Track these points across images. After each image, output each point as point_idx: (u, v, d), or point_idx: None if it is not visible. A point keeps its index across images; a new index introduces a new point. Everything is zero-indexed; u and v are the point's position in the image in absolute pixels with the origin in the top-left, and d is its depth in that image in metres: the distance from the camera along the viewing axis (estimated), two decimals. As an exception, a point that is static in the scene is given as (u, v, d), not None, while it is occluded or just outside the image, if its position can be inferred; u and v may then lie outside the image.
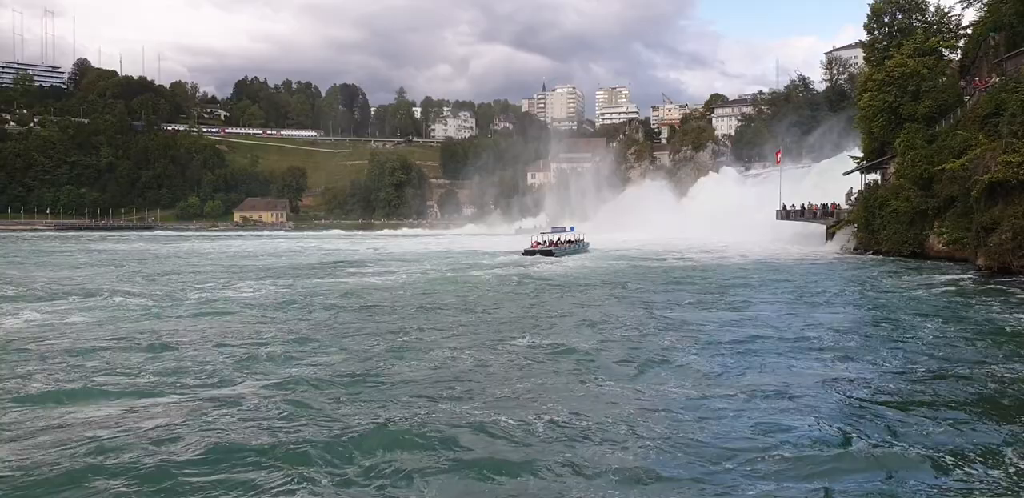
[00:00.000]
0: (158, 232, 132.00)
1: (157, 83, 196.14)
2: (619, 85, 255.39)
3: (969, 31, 45.61)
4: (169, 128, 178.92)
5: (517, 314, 18.94)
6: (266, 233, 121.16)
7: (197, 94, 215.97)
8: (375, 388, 10.74)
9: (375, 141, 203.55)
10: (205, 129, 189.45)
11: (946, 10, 47.49)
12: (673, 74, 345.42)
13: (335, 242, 79.98)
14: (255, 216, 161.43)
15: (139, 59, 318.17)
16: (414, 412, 9.28)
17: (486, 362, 12.57)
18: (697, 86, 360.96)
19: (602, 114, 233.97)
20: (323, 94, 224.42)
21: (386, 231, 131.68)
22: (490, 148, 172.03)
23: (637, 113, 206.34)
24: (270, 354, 13.15)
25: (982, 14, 43.39)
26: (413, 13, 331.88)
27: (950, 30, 47.16)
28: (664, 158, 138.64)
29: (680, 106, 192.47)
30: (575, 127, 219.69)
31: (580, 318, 17.96)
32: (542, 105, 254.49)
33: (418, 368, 12.11)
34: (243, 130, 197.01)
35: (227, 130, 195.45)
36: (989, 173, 28.10)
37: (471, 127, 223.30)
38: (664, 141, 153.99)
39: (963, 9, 46.50)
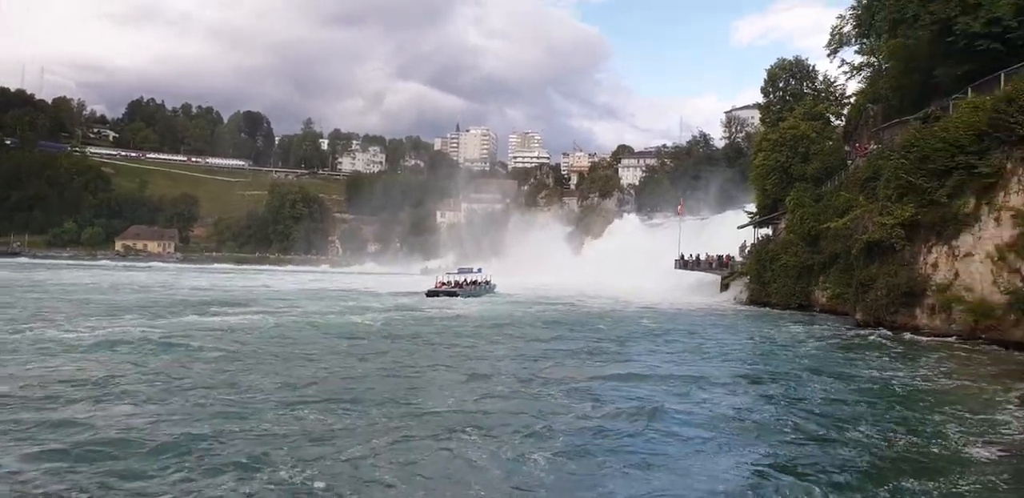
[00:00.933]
0: (23, 259, 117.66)
1: (38, 97, 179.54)
2: (532, 130, 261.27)
3: (852, 100, 49.31)
4: (49, 146, 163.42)
5: (386, 366, 17.68)
6: (154, 264, 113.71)
7: (84, 112, 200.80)
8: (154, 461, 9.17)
9: (277, 171, 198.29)
10: (92, 150, 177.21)
11: (832, 80, 51.37)
12: (586, 123, 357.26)
13: (222, 276, 76.62)
14: (140, 245, 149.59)
15: (19, 71, 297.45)
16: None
17: (317, 431, 10.98)
18: (607, 136, 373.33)
19: (515, 157, 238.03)
20: (225, 120, 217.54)
21: (283, 266, 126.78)
22: (399, 184, 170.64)
23: (548, 158, 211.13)
24: (36, 419, 11.22)
25: (863, 86, 47.06)
26: (329, 44, 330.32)
27: (836, 98, 50.89)
28: (572, 203, 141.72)
29: (589, 154, 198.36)
30: (487, 168, 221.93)
31: (459, 372, 16.92)
32: (455, 144, 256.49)
33: (228, 437, 10.47)
34: (133, 153, 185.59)
35: (115, 152, 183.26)
36: (867, 233, 29.91)
37: (380, 162, 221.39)
38: (573, 187, 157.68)
39: (847, 80, 50.47)
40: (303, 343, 21.64)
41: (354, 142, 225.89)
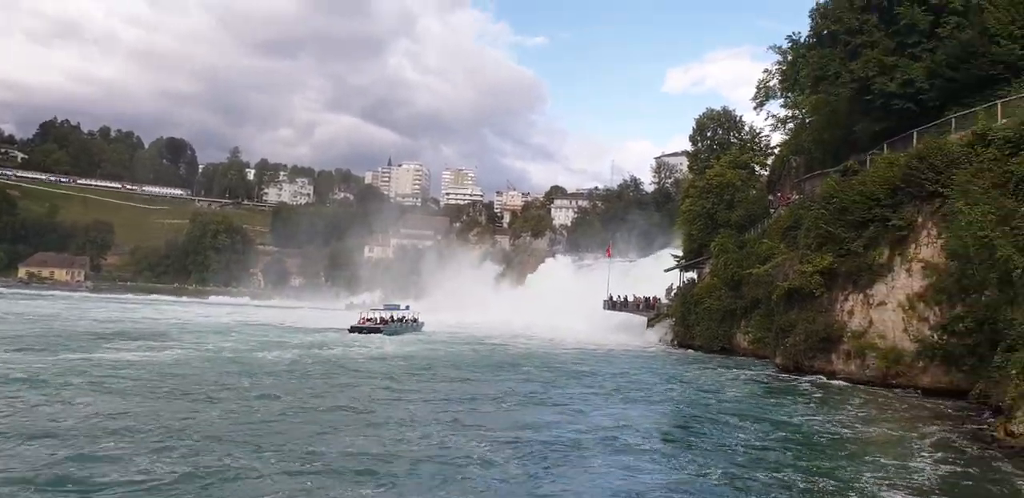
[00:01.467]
0: None
1: None
2: (466, 167, 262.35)
3: (776, 151, 51.48)
4: None
5: (289, 407, 16.76)
6: (55, 293, 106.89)
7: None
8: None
9: (200, 200, 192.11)
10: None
11: (758, 131, 53.61)
12: (520, 163, 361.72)
13: (134, 308, 72.91)
14: (46, 273, 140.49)
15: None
16: None
17: (191, 481, 10.21)
18: (541, 177, 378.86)
19: (447, 194, 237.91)
20: (146, 145, 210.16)
21: (201, 298, 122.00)
22: (327, 217, 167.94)
23: (482, 196, 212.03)
24: None
25: (787, 138, 49.23)
26: (260, 73, 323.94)
27: (761, 149, 53.04)
28: (504, 242, 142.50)
29: (523, 194, 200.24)
30: (419, 204, 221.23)
31: (368, 415, 16.16)
32: (387, 179, 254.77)
33: (82, 486, 9.64)
34: (43, 176, 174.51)
35: (23, 174, 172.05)
36: (788, 280, 30.81)
37: (308, 194, 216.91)
38: (505, 226, 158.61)
39: (772, 131, 52.78)
40: (201, 381, 20.32)
41: (281, 173, 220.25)
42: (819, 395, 23.17)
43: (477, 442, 13.58)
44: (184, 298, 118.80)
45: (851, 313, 28.10)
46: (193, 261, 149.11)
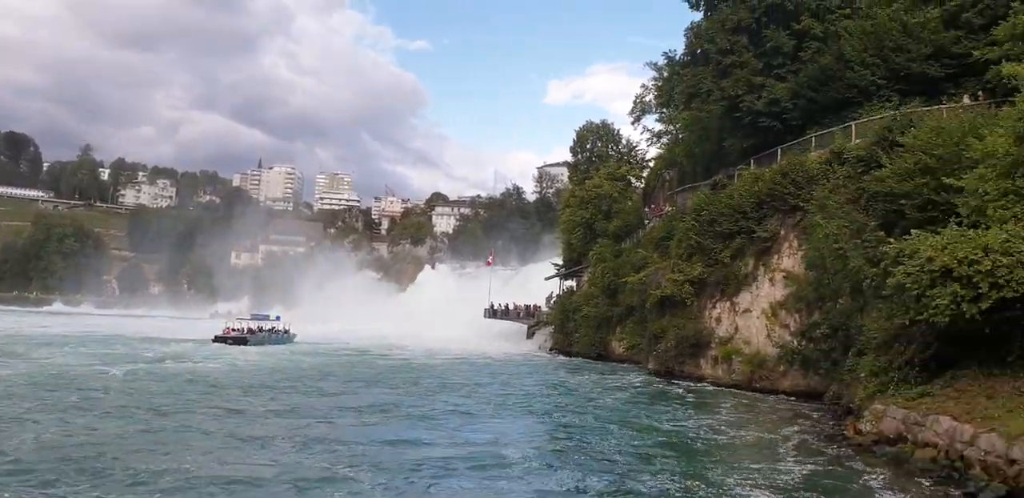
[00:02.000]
0: None
1: None
2: (342, 171, 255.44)
3: (651, 164, 53.51)
4: None
5: (123, 427, 15.37)
6: None
7: None
8: None
9: (44, 201, 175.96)
10: None
11: (635, 144, 55.61)
12: (399, 168, 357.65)
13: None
14: None
15: None
16: None
17: None
18: (421, 183, 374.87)
19: (322, 198, 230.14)
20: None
21: (48, 307, 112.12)
22: (190, 221, 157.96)
23: (359, 201, 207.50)
24: None
25: (662, 152, 51.27)
26: (118, 67, 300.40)
27: (637, 162, 54.99)
28: (383, 249, 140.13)
29: (403, 200, 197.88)
30: (291, 208, 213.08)
31: (216, 433, 15.07)
32: (256, 182, 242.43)
33: None
34: None
35: None
36: (660, 288, 31.90)
37: (170, 197, 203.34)
38: (384, 232, 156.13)
39: (648, 145, 54.85)
40: (18, 400, 18.36)
41: (140, 173, 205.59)
42: (690, 400, 24.02)
43: (332, 463, 12.70)
44: (22, 308, 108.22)
45: (719, 320, 29.45)
46: (35, 266, 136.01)
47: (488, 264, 74.78)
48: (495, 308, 59.56)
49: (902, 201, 19.12)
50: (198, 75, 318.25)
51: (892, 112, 24.14)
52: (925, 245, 14.42)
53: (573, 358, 42.15)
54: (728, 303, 29.17)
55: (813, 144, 28.08)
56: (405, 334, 59.56)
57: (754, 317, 27.69)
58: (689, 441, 16.46)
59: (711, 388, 27.18)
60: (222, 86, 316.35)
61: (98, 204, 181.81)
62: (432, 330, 60.98)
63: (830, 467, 13.68)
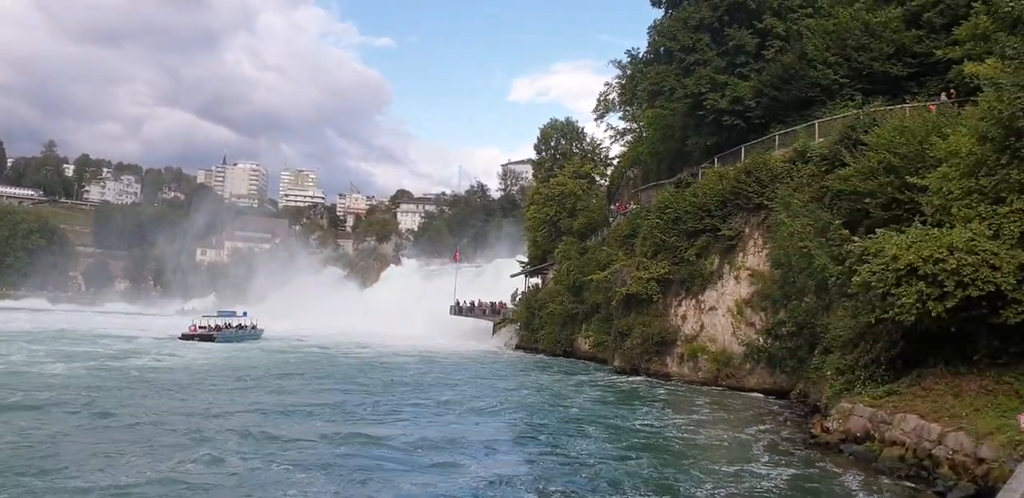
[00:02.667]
0: None
1: None
2: (307, 168, 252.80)
3: (616, 162, 53.46)
4: None
5: (69, 426, 14.97)
6: None
7: None
8: None
9: (8, 197, 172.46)
10: None
11: (599, 142, 55.48)
12: (364, 165, 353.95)
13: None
14: None
15: None
16: None
17: None
18: (386, 180, 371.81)
19: (287, 195, 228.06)
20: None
21: (12, 303, 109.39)
22: (156, 218, 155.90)
23: (324, 198, 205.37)
24: None
25: (626, 149, 51.23)
26: (81, 62, 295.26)
27: (601, 159, 54.91)
28: (348, 246, 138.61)
29: (368, 197, 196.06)
30: (256, 205, 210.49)
31: (167, 432, 14.71)
32: (220, 178, 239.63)
33: None
34: None
35: None
36: (625, 286, 31.77)
37: (135, 193, 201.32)
38: (349, 229, 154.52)
39: (612, 143, 54.79)
40: None
41: (105, 170, 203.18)
42: (659, 398, 23.79)
43: (283, 464, 12.38)
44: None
45: (684, 318, 29.41)
46: (2, 263, 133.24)
47: (454, 260, 74.27)
48: (460, 305, 59.07)
49: (866, 200, 19.16)
50: (162, 71, 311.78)
51: (855, 111, 24.24)
52: (890, 243, 14.38)
53: (539, 355, 41.91)
54: (694, 301, 29.14)
55: (777, 142, 28.16)
56: (370, 331, 58.85)
57: (720, 315, 27.70)
58: (661, 441, 16.24)
59: (678, 386, 27.09)
60: (186, 83, 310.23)
61: (63, 200, 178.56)
62: (397, 327, 60.33)
63: (804, 469, 13.55)
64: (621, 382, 28.37)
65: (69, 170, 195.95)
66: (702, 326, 28.43)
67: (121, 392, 20.59)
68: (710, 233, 28.46)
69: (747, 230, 27.36)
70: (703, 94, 30.82)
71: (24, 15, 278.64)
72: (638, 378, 29.14)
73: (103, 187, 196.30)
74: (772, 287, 24.81)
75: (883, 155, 18.85)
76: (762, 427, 18.20)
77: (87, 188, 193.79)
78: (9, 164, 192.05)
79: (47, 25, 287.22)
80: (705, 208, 28.60)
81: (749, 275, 26.57)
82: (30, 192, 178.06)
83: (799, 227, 21.22)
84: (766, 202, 25.79)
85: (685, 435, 17.07)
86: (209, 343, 41.19)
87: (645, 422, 18.63)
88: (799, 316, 22.63)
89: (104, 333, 47.09)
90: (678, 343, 29.21)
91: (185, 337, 42.67)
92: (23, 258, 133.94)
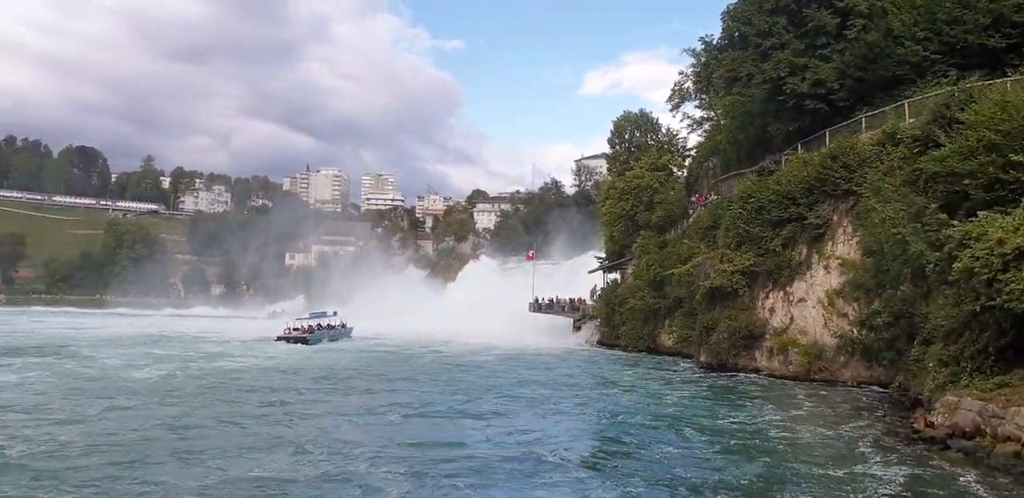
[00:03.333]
0: None
1: None
2: (386, 172, 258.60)
3: (693, 153, 52.26)
4: None
5: (156, 428, 15.45)
6: None
7: None
8: None
9: (114, 210, 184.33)
10: None
11: (675, 132, 54.32)
12: (440, 167, 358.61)
13: (33, 320, 68.72)
14: None
15: None
16: None
17: None
18: (462, 181, 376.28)
19: (368, 199, 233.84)
20: (55, 155, 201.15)
21: (120, 310, 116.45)
22: (246, 225, 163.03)
23: (403, 201, 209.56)
24: None
25: (703, 139, 50.03)
26: (173, 81, 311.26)
27: (678, 150, 53.75)
28: (428, 247, 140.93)
29: (445, 198, 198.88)
30: (339, 210, 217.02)
31: (261, 435, 14.97)
32: (305, 185, 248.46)
33: None
34: None
35: None
36: (709, 279, 31.07)
37: (226, 202, 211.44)
38: (428, 230, 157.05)
39: (689, 133, 53.55)
40: (69, 398, 18.97)
41: (197, 181, 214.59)
42: (752, 394, 23.01)
43: (370, 464, 12.43)
44: (99, 310, 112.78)
45: (772, 310, 28.49)
46: (109, 272, 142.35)
47: (529, 259, 74.36)
48: (540, 302, 59.11)
49: (965, 181, 18.06)
50: (246, 84, 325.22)
51: (950, 88, 22.85)
52: (994, 227, 13.54)
53: (621, 351, 41.46)
54: (781, 293, 28.21)
55: (863, 125, 26.90)
56: (451, 329, 59.55)
57: (810, 306, 26.72)
58: (761, 441, 15.41)
59: (769, 380, 26.24)
60: (269, 94, 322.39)
61: (161, 211, 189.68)
62: (478, 325, 60.84)
63: (915, 468, 12.76)
64: (709, 378, 27.67)
65: (166, 182, 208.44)
66: (791, 318, 27.49)
67: (225, 392, 21.52)
68: (796, 222, 27.47)
69: (835, 218, 26.29)
70: (782, 79, 29.71)
71: (120, 38, 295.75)
72: (726, 373, 28.40)
73: (196, 197, 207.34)
74: (864, 276, 23.72)
75: (983, 133, 17.71)
76: (862, 422, 17.41)
77: (182, 199, 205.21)
78: (113, 179, 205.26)
79: (141, 46, 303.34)
80: (790, 196, 27.62)
81: (839, 264, 25.51)
82: (132, 205, 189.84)
83: (891, 213, 20.23)
84: (855, 188, 24.69)
85: (785, 433, 16.30)
86: (303, 345, 42.82)
87: (741, 420, 17.91)
88: (895, 306, 21.53)
89: (202, 337, 49.39)
90: (766, 336, 28.34)
91: (281, 339, 44.32)
92: (128, 267, 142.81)
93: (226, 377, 25.73)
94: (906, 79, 26.50)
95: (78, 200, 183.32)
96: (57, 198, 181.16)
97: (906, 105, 24.99)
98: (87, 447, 13.54)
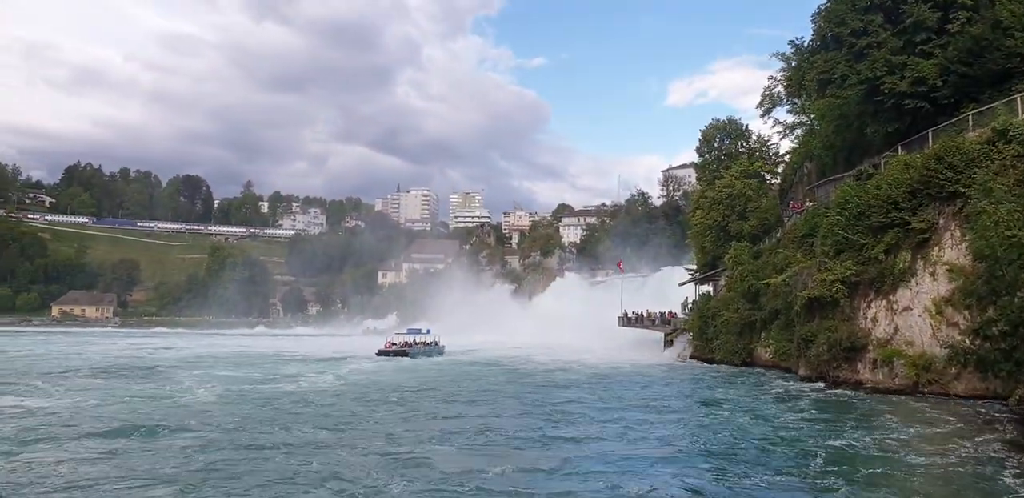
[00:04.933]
0: None
1: None
2: (473, 190, 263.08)
3: (786, 159, 50.64)
4: None
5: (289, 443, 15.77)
6: (98, 330, 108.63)
7: (20, 177, 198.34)
8: None
9: (217, 235, 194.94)
10: (27, 215, 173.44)
11: (767, 139, 52.84)
12: (527, 183, 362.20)
13: (147, 341, 72.73)
14: (77, 311, 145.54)
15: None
16: None
17: None
18: (549, 196, 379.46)
19: (456, 217, 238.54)
20: (164, 184, 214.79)
21: (225, 330, 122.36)
22: (340, 245, 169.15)
23: (489, 217, 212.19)
24: None
25: (796, 145, 48.44)
26: (273, 109, 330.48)
27: (770, 157, 52.23)
28: (514, 262, 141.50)
29: (530, 213, 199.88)
30: (428, 228, 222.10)
31: (371, 451, 15.03)
32: (396, 205, 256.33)
33: None
34: (70, 218, 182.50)
35: (51, 217, 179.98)
36: (807, 290, 29.89)
37: (321, 223, 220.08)
38: (515, 246, 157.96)
39: (781, 139, 52.00)
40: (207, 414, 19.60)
41: (294, 204, 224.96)
42: (857, 408, 21.78)
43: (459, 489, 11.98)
44: (207, 331, 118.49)
45: (875, 320, 27.13)
46: (214, 293, 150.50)
47: (619, 268, 73.68)
48: (629, 316, 58.34)
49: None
50: (340, 110, 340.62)
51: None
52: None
53: (715, 366, 40.32)
54: (885, 301, 26.82)
55: (970, 123, 25.44)
56: (540, 344, 59.61)
57: (916, 315, 25.27)
58: (893, 469, 13.62)
59: (875, 394, 24.87)
60: (361, 119, 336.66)
61: (260, 234, 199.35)
62: (566, 340, 60.65)
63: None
64: (812, 393, 26.38)
65: (264, 207, 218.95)
66: (896, 328, 26.06)
67: (341, 404, 22.46)
68: (899, 227, 26.13)
69: (941, 221, 24.86)
70: (879, 78, 28.47)
71: (223, 71, 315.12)
72: (827, 387, 27.13)
73: (293, 220, 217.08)
74: (976, 283, 22.25)
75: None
76: (986, 437, 16.13)
77: (280, 222, 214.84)
78: (216, 205, 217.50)
79: (242, 78, 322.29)
80: (891, 200, 26.33)
81: (947, 270, 24.05)
82: (233, 229, 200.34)
83: (1004, 214, 19.01)
84: (962, 189, 23.31)
85: (904, 456, 14.69)
86: (403, 359, 44.45)
87: (860, 441, 16.23)
88: (1012, 313, 20.08)
89: (304, 353, 51.11)
90: (869, 348, 26.96)
91: (381, 353, 45.93)
92: (231, 288, 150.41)
93: (347, 389, 26.49)
94: (1017, 72, 25.01)
95: (184, 226, 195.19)
96: (165, 225, 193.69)
97: (1018, 100, 23.53)
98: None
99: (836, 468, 13.73)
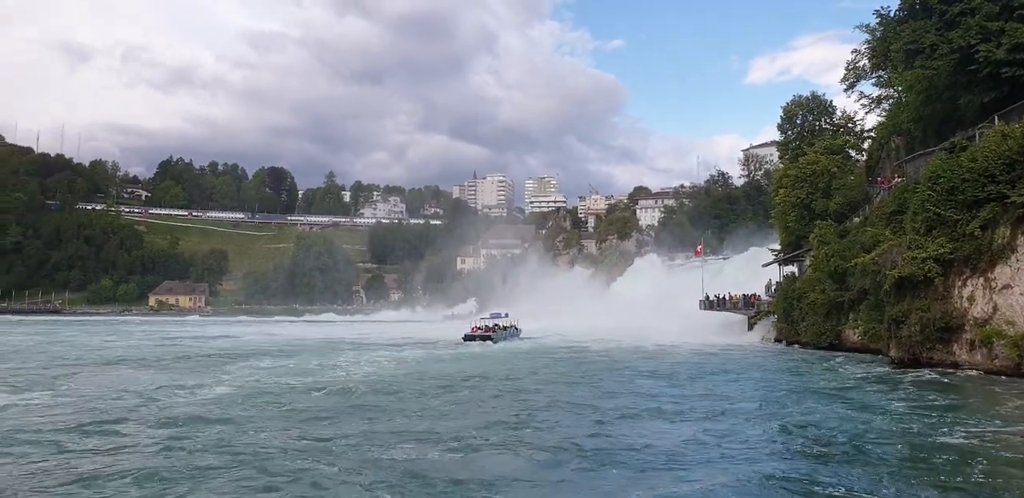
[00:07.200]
0: (63, 317, 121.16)
1: (76, 161, 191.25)
2: (548, 175, 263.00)
3: (873, 134, 48.66)
4: (86, 208, 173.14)
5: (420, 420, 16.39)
6: (193, 318, 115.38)
7: (119, 173, 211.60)
8: None
9: (301, 224, 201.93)
10: (125, 209, 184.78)
11: (851, 114, 50.89)
12: (604, 167, 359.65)
13: (243, 328, 76.20)
14: (172, 300, 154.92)
15: (60, 137, 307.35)
16: None
17: None
18: (626, 179, 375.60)
19: (531, 202, 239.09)
20: (250, 176, 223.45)
21: (311, 317, 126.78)
22: (419, 233, 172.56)
23: (565, 202, 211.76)
24: None
25: (883, 119, 46.47)
26: (354, 101, 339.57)
27: (855, 132, 50.31)
28: (591, 246, 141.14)
29: (606, 197, 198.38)
30: (505, 214, 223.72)
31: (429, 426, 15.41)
32: (472, 192, 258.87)
33: None
34: (164, 211, 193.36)
35: (148, 210, 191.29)
36: (897, 268, 28.87)
37: (401, 212, 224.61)
38: (591, 230, 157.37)
39: (866, 113, 49.94)
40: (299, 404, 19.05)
41: (374, 193, 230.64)
42: (966, 392, 20.84)
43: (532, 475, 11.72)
44: (292, 318, 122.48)
45: (971, 299, 26.07)
46: (300, 282, 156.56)
47: (697, 254, 72.57)
48: (711, 299, 57.50)
49: None
50: (418, 101, 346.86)
51: None
52: None
53: (802, 348, 39.44)
54: (982, 279, 25.72)
55: (1075, 89, 24.01)
56: (619, 328, 59.24)
57: (1017, 294, 24.17)
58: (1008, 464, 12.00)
59: (973, 376, 23.92)
60: (440, 108, 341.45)
61: (343, 223, 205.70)
62: (646, 323, 60.08)
63: None
64: (905, 376, 24.82)
65: (346, 196, 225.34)
66: (995, 307, 24.97)
67: (450, 388, 22.86)
68: (996, 202, 24.94)
69: (1044, 194, 23.63)
70: (973, 46, 27.09)
71: (306, 65, 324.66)
72: (921, 370, 26.16)
73: (375, 209, 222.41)
74: (1084, 258, 21.17)
75: None
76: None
77: (361, 211, 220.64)
78: (300, 196, 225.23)
79: (324, 72, 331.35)
80: (987, 174, 25.14)
81: (1052, 246, 22.92)
82: (318, 218, 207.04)
83: (1114, 185, 17.95)
84: (1067, 160, 22.12)
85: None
86: (489, 342, 45.97)
87: (978, 433, 14.45)
88: (1124, 290, 19.06)
89: (395, 337, 53.01)
90: (966, 328, 25.92)
91: (468, 338, 47.27)
92: (316, 276, 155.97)
93: (447, 370, 27.31)
94: (1125, 34, 23.39)
95: (270, 217, 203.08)
96: (252, 216, 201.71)
97: None
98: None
99: (951, 465, 11.93)
